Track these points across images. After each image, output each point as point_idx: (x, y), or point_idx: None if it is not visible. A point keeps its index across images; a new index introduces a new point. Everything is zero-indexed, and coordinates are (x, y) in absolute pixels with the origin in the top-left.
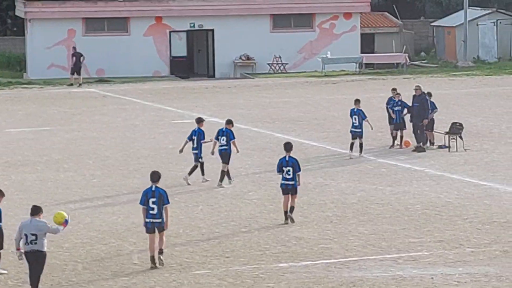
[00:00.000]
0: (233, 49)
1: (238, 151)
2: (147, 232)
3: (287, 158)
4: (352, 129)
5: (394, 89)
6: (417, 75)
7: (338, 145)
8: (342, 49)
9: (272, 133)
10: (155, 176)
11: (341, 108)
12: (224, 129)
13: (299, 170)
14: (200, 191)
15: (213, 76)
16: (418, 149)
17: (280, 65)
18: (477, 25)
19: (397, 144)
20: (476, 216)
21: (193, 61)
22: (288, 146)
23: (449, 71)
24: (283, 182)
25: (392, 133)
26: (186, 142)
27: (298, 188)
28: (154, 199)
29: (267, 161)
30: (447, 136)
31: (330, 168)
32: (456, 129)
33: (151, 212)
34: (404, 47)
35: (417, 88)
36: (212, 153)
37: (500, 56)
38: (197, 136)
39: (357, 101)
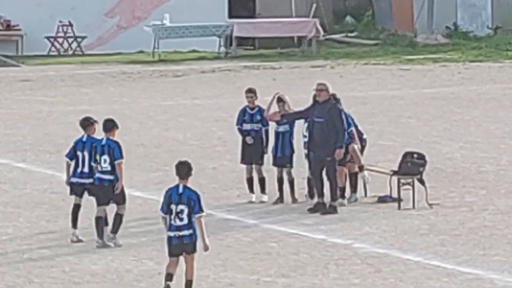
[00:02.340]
0: None
1: (117, 187)
2: None
3: (180, 190)
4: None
5: (250, 91)
6: (338, 61)
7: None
8: (194, 10)
9: (54, 173)
10: None
11: (190, 124)
12: (104, 141)
13: (200, 211)
14: None
15: None
16: (318, 209)
17: (71, 40)
18: None
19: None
20: None
21: None
22: (183, 169)
23: (401, 53)
24: (171, 233)
25: (250, 176)
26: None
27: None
28: None
29: (43, 226)
30: (395, 178)
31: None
32: (412, 166)
33: None
34: (314, 6)
35: (321, 89)
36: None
37: (497, 25)
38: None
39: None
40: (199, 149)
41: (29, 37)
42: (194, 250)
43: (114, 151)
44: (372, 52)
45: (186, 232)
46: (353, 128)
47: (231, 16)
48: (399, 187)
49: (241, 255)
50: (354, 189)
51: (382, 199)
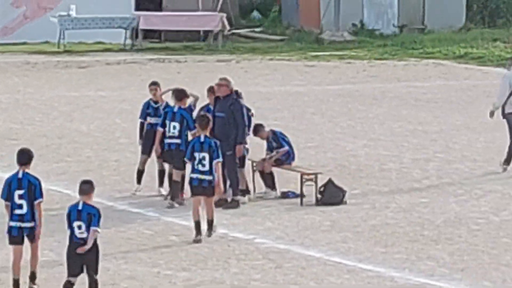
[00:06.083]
0: None
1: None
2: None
3: (202, 139)
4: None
5: (153, 84)
6: (243, 56)
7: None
8: (100, 2)
9: None
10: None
11: (95, 115)
12: (176, 109)
13: (218, 158)
14: None
15: None
16: (220, 204)
17: None
18: None
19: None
20: None
21: None
22: (204, 121)
23: (306, 50)
24: (194, 183)
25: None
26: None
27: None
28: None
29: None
30: (298, 174)
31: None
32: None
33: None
34: (220, 0)
35: (221, 84)
36: None
37: (403, 23)
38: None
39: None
40: (103, 141)
41: None
42: (213, 193)
43: (188, 120)
44: (278, 47)
45: (207, 177)
46: (287, 148)
47: (137, 8)
48: (302, 182)
49: (142, 248)
50: (272, 187)
51: (285, 194)
